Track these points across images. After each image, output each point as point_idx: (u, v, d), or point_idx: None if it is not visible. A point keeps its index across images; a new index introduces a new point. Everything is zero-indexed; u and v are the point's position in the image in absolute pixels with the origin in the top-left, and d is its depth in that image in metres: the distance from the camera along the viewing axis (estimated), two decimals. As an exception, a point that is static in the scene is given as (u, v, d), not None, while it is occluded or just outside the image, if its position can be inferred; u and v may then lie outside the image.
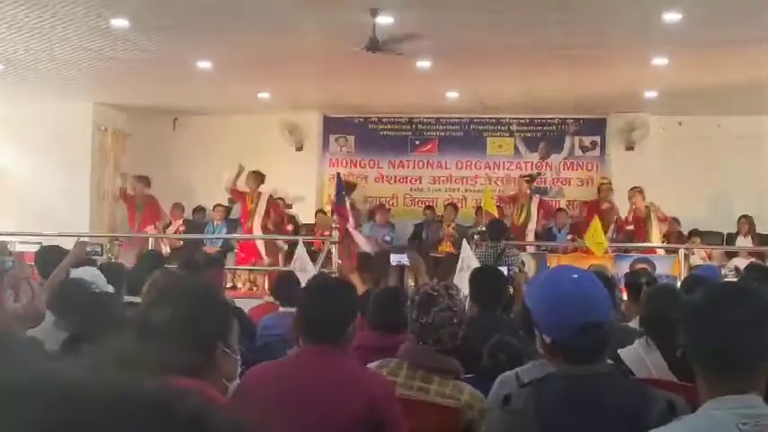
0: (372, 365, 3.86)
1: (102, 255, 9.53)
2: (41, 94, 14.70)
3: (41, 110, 15.21)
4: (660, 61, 11.79)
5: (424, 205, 16.55)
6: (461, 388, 3.79)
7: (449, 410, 3.71)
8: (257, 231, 14.17)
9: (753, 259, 12.88)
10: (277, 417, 3.18)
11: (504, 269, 7.79)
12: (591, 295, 2.69)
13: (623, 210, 14.27)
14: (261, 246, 14.12)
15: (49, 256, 6.83)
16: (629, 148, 15.83)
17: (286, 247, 14.26)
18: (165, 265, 8.30)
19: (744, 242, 14.32)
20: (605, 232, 13.01)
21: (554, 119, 16.54)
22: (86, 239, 9.37)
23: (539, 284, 2.93)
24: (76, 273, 5.27)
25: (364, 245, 12.60)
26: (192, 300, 2.49)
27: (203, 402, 0.77)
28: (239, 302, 6.78)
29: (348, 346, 3.71)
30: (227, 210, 16.13)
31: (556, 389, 2.63)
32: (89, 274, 5.30)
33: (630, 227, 14.13)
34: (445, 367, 3.82)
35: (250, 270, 14.67)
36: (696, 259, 13.48)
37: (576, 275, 2.77)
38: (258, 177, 14.26)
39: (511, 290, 6.98)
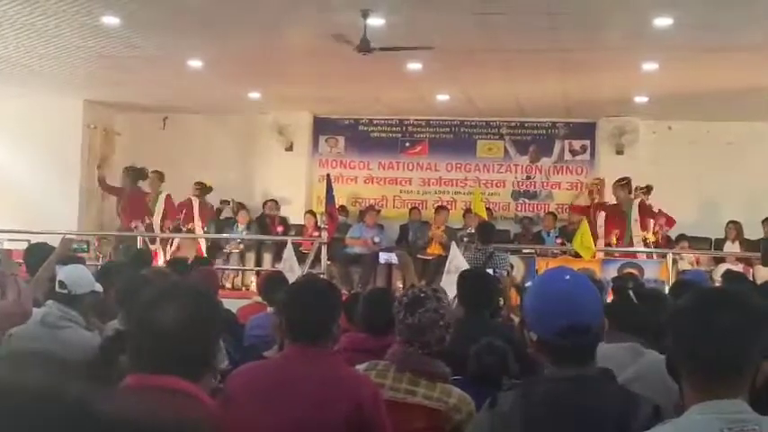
0: (360, 368, 3.86)
1: (87, 251, 9.50)
2: (31, 92, 14.66)
3: (31, 107, 15.16)
4: (650, 66, 11.81)
5: (411, 207, 16.51)
6: (449, 391, 3.80)
7: (436, 413, 3.71)
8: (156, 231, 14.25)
9: (729, 266, 12.96)
10: (263, 415, 3.19)
11: (490, 272, 7.78)
12: (577, 297, 2.68)
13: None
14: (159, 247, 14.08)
15: (37, 254, 6.81)
16: (619, 152, 15.85)
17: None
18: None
19: (732, 248, 14.34)
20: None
21: (544, 122, 16.56)
22: (72, 236, 9.33)
23: (533, 282, 2.94)
24: (64, 270, 5.23)
25: None
26: (193, 300, 2.49)
27: (88, 391, 0.79)
28: (227, 302, 6.79)
29: (333, 346, 3.72)
30: (218, 211, 16.13)
31: (541, 391, 2.63)
32: (76, 270, 5.27)
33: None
34: (432, 370, 3.82)
35: (237, 270, 14.72)
36: (684, 264, 13.51)
37: (567, 277, 2.77)
38: (161, 177, 14.32)
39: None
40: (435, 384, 3.79)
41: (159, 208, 14.24)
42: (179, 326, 2.37)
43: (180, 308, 2.41)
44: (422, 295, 3.90)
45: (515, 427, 2.59)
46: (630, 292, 4.49)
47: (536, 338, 2.68)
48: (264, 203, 15.98)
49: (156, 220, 14.15)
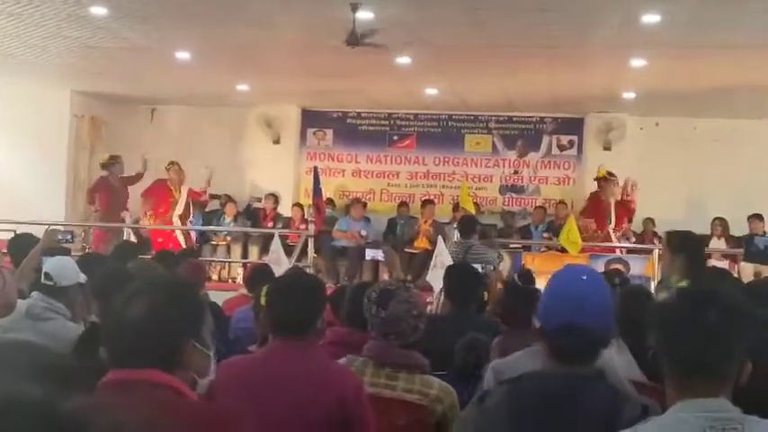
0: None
1: (72, 242, 9.44)
2: (18, 81, 14.59)
3: (17, 97, 15.07)
4: (638, 62, 11.83)
5: (400, 201, 16.49)
6: (430, 382, 3.80)
7: (418, 408, 3.71)
8: (176, 221, 14.33)
9: (713, 262, 12.98)
10: (247, 409, 3.18)
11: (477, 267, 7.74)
12: (585, 299, 2.70)
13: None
14: (179, 234, 14.12)
15: (22, 244, 6.77)
16: (606, 148, 15.87)
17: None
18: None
19: (718, 244, 14.38)
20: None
21: (532, 117, 16.58)
22: (59, 227, 9.29)
23: (553, 274, 2.93)
24: (50, 261, 5.20)
25: None
26: (162, 294, 2.47)
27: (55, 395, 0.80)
28: (213, 294, 6.77)
29: (318, 340, 3.72)
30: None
31: (530, 388, 2.63)
32: (62, 262, 5.24)
33: None
34: (410, 362, 3.82)
35: (223, 262, 14.71)
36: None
37: (584, 277, 2.80)
38: (181, 168, 14.37)
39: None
40: (414, 376, 3.79)
41: (182, 201, 14.32)
42: (147, 320, 2.36)
43: (150, 302, 2.40)
44: (391, 287, 3.92)
45: (501, 422, 2.59)
46: None
47: (539, 326, 2.73)
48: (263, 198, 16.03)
49: (179, 211, 14.28)
